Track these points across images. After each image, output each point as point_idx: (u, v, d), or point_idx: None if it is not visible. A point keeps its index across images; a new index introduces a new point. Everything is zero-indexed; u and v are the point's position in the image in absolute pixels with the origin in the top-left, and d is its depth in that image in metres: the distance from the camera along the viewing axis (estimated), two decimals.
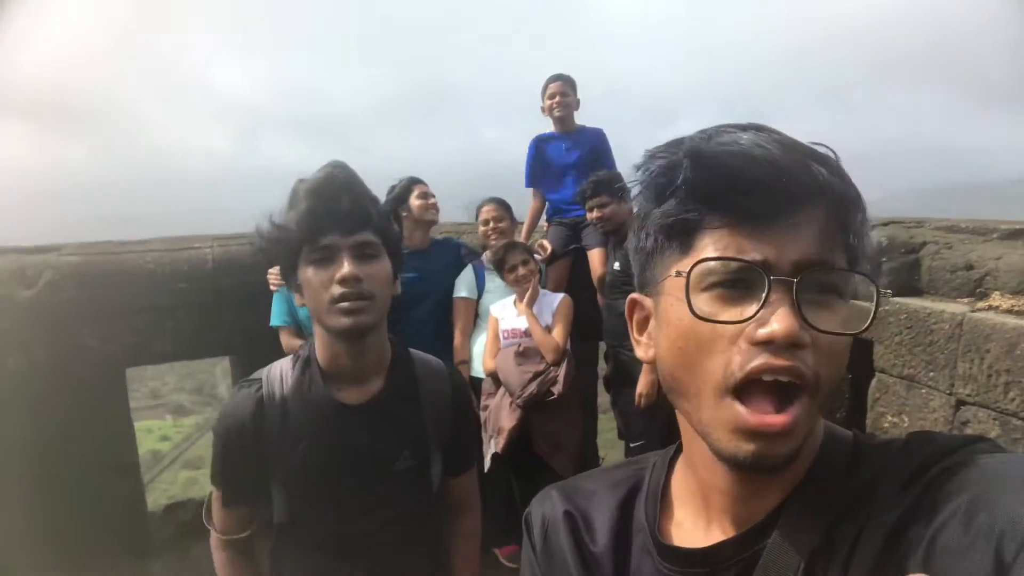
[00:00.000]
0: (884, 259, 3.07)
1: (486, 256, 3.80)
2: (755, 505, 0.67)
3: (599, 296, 3.87)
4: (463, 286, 3.69)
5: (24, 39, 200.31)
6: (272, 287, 3.51)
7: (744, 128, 0.64)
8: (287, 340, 3.50)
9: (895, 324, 2.94)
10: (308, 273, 1.31)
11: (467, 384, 1.54)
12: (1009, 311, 2.63)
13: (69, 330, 3.66)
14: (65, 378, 3.66)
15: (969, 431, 2.65)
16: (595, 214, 3.54)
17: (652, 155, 0.68)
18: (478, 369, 3.55)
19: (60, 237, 4.05)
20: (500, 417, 3.30)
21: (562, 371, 3.26)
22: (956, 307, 2.77)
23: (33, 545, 3.60)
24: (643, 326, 0.74)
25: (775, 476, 0.65)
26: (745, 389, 0.60)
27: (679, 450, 0.78)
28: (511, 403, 3.27)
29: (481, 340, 3.58)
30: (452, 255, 3.81)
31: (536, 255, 3.59)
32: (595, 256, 3.86)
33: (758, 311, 0.59)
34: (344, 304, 1.28)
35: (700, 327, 0.62)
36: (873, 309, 0.61)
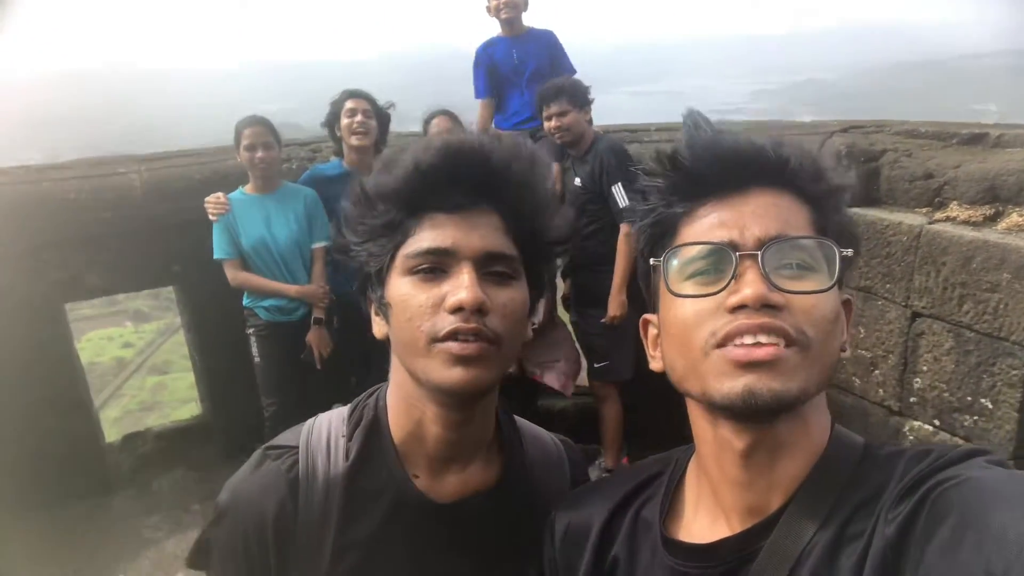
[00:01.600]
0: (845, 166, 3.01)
1: None
2: (761, 497, 0.70)
3: None
4: None
5: None
6: (211, 217, 3.30)
7: (706, 128, 0.75)
8: (232, 273, 3.34)
9: None
10: (402, 287, 0.82)
11: (586, 468, 1.12)
12: (966, 222, 2.61)
13: None
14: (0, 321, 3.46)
15: (924, 343, 2.70)
16: (553, 123, 3.31)
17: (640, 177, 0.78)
18: None
19: None
20: None
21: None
22: (914, 218, 2.75)
23: None
24: (656, 342, 0.79)
25: (775, 448, 0.68)
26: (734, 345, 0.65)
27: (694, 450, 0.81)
28: None
29: None
30: None
31: None
32: (553, 170, 3.69)
33: (728, 283, 0.66)
34: (454, 345, 0.78)
35: (685, 313, 0.69)
36: (837, 270, 0.66)
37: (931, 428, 2.71)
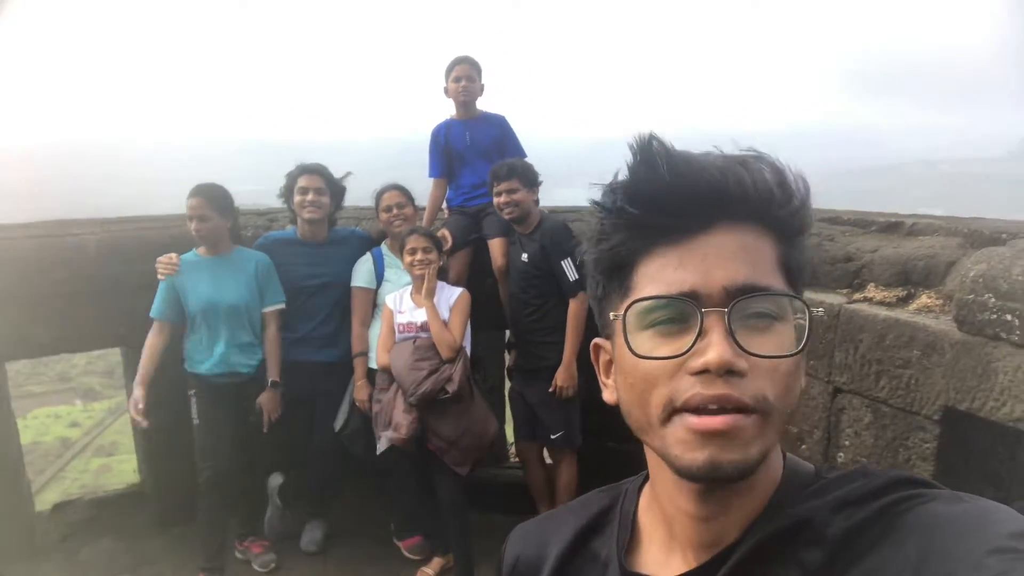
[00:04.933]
0: None
1: (386, 244, 3.74)
2: (717, 532, 0.68)
3: (500, 286, 3.86)
4: (360, 275, 3.63)
5: None
6: (159, 276, 3.36)
7: (659, 160, 0.64)
8: (152, 337, 3.38)
9: None
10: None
11: None
12: (881, 303, 2.75)
13: None
14: None
15: (845, 418, 2.78)
16: (503, 199, 3.46)
17: (591, 204, 0.70)
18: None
19: None
20: (394, 412, 3.25)
21: (457, 368, 3.23)
22: (834, 298, 2.88)
23: None
24: (608, 369, 0.75)
25: (733, 491, 0.66)
26: (693, 412, 0.61)
27: (647, 479, 0.79)
28: (405, 400, 3.23)
29: (378, 331, 3.52)
30: (354, 249, 3.75)
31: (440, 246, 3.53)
32: (495, 246, 3.82)
33: (693, 343, 0.61)
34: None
35: (644, 365, 0.63)
36: (807, 326, 0.62)
37: None
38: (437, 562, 3.55)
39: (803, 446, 2.96)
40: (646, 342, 0.64)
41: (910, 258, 2.81)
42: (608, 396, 0.74)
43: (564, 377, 3.43)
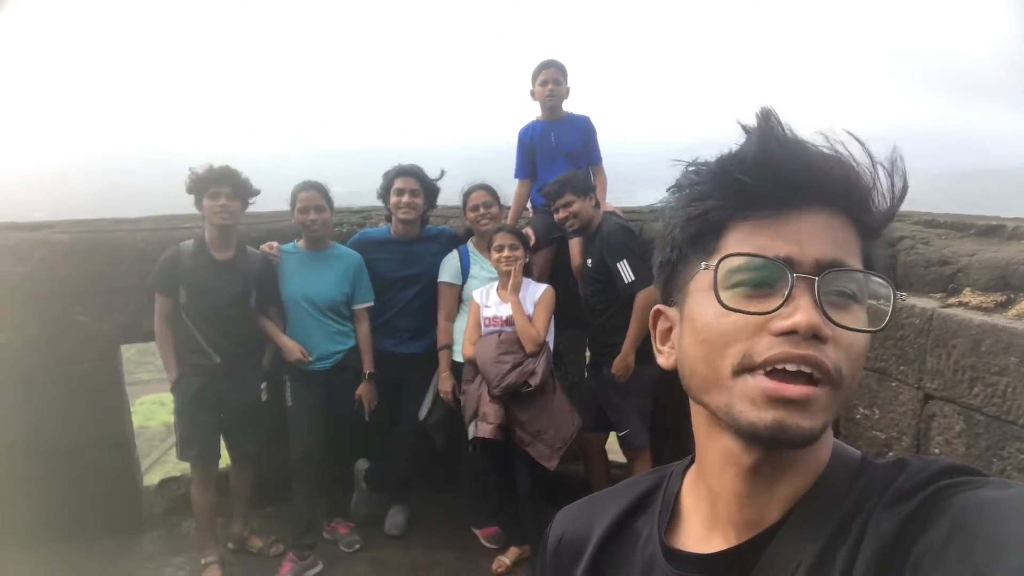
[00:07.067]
0: None
1: (472, 241, 3.86)
2: (760, 510, 0.69)
3: (579, 285, 3.92)
4: (447, 271, 3.76)
5: None
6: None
7: (775, 135, 0.66)
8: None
9: None
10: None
11: None
12: (978, 308, 2.66)
13: (62, 307, 3.73)
14: (58, 355, 3.74)
15: (936, 425, 2.70)
16: (561, 214, 3.53)
17: (685, 171, 0.72)
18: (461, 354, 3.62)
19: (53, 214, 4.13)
20: (480, 402, 3.35)
21: (540, 362, 3.31)
22: (927, 302, 2.80)
23: (28, 520, 3.71)
24: (666, 337, 0.77)
25: (781, 468, 0.67)
26: (768, 376, 0.63)
27: (693, 461, 0.80)
28: (489, 392, 3.32)
29: (464, 325, 3.64)
30: (443, 246, 3.89)
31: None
32: (574, 245, 3.90)
33: (781, 304, 0.62)
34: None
35: (723, 322, 0.65)
36: (890, 310, 0.64)
37: None
38: (513, 551, 3.63)
39: (890, 453, 2.89)
40: (730, 301, 0.64)
41: (1011, 262, 2.70)
42: (663, 361, 0.76)
43: (620, 366, 3.48)
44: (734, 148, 0.68)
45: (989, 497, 0.57)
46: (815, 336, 0.61)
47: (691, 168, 0.71)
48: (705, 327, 0.67)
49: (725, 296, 0.65)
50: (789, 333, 0.61)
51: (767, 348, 0.62)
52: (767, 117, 0.67)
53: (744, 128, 0.68)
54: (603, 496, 0.90)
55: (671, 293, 0.75)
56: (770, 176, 0.65)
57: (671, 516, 0.79)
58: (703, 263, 0.67)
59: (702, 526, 0.75)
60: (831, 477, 0.68)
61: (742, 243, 0.66)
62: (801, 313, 0.61)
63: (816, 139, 0.67)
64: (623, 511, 0.83)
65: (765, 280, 0.64)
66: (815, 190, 0.65)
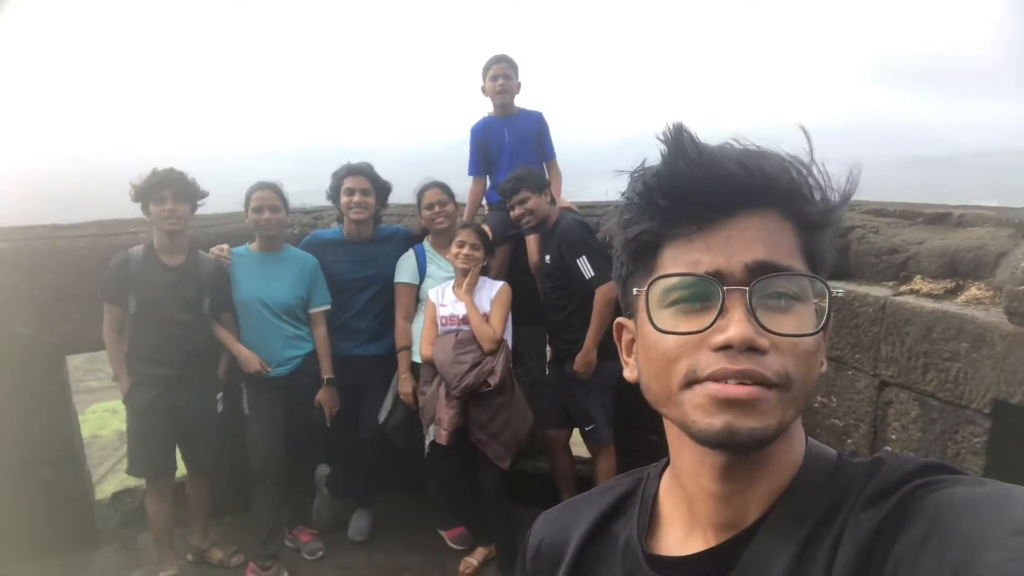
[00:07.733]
0: None
1: (428, 240, 3.81)
2: (737, 511, 0.70)
3: (537, 282, 3.90)
4: (404, 271, 3.70)
5: None
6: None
7: (684, 153, 0.65)
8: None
9: None
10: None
11: None
12: (928, 295, 2.71)
13: (1, 319, 3.57)
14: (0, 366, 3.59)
15: (892, 411, 2.75)
16: (517, 211, 3.52)
17: (627, 187, 0.72)
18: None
19: None
20: (438, 406, 3.32)
21: (499, 361, 3.28)
22: (880, 291, 2.85)
23: None
24: (630, 348, 0.77)
25: (754, 468, 0.68)
26: (714, 381, 0.63)
27: (669, 462, 0.81)
28: (447, 393, 3.28)
29: (422, 325, 3.59)
30: (398, 246, 3.83)
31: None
32: (531, 242, 3.88)
33: (714, 320, 0.63)
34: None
35: (666, 340, 0.66)
36: (826, 311, 0.64)
37: None
38: (480, 552, 3.60)
39: (849, 440, 2.94)
40: (668, 319, 0.66)
41: (958, 249, 2.76)
42: (628, 374, 0.77)
43: (582, 363, 3.48)
44: (648, 167, 0.68)
45: (964, 495, 0.57)
46: (751, 348, 0.61)
47: (623, 193, 0.72)
48: (651, 346, 0.68)
49: (665, 314, 0.66)
50: (726, 348, 0.62)
51: (709, 364, 0.63)
52: (677, 134, 0.66)
53: (662, 142, 0.67)
54: (580, 500, 0.91)
55: (627, 306, 0.76)
56: (685, 195, 0.65)
57: (650, 519, 0.79)
58: (635, 289, 0.70)
59: (681, 528, 0.75)
60: (807, 476, 0.69)
61: (676, 260, 0.67)
62: (734, 327, 0.61)
63: (724, 143, 0.67)
64: (601, 515, 0.83)
65: (698, 296, 0.65)
66: (739, 195, 0.65)
